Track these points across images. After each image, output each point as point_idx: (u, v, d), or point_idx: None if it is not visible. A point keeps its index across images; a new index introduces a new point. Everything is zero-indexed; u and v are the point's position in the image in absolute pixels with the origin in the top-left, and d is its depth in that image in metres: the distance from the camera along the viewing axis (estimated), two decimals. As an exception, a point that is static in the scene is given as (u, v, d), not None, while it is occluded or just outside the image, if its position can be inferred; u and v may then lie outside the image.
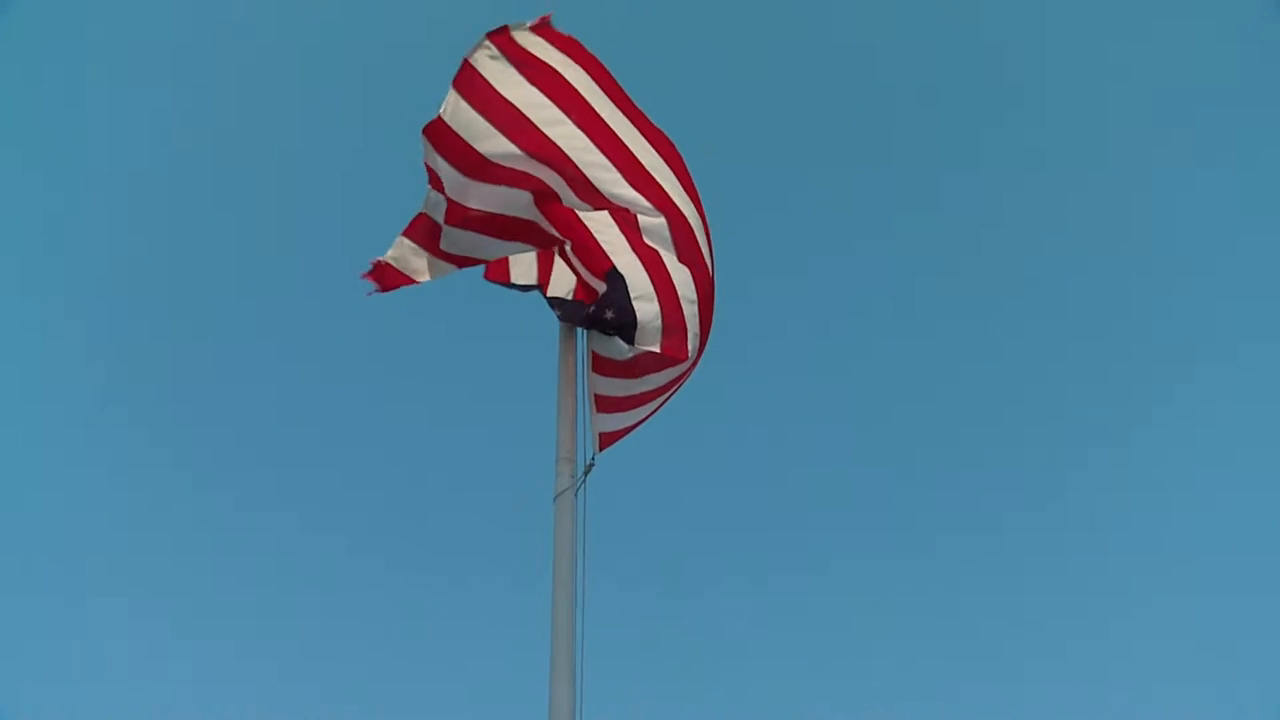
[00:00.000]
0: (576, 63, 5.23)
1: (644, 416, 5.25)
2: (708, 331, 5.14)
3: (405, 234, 5.26)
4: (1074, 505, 14.13)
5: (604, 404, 5.08)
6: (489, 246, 5.26)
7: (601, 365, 5.05)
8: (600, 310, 4.92)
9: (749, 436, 15.12)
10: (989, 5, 16.15)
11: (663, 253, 4.97)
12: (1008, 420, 15.22)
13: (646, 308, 4.83)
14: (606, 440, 5.16)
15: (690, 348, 4.94)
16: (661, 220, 4.99)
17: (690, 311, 4.95)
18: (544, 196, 5.10)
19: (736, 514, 14.73)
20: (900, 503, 14.97)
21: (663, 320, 4.87)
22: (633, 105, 5.31)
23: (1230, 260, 14.25)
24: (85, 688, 11.77)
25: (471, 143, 5.03)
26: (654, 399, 5.17)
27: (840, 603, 13.89)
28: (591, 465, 4.86)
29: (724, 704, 12.18)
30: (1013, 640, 13.08)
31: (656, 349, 4.87)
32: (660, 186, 5.09)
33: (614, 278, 4.81)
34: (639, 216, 4.97)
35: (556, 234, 5.11)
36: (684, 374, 5.14)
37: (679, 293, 4.95)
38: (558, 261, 5.01)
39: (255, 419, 14.90)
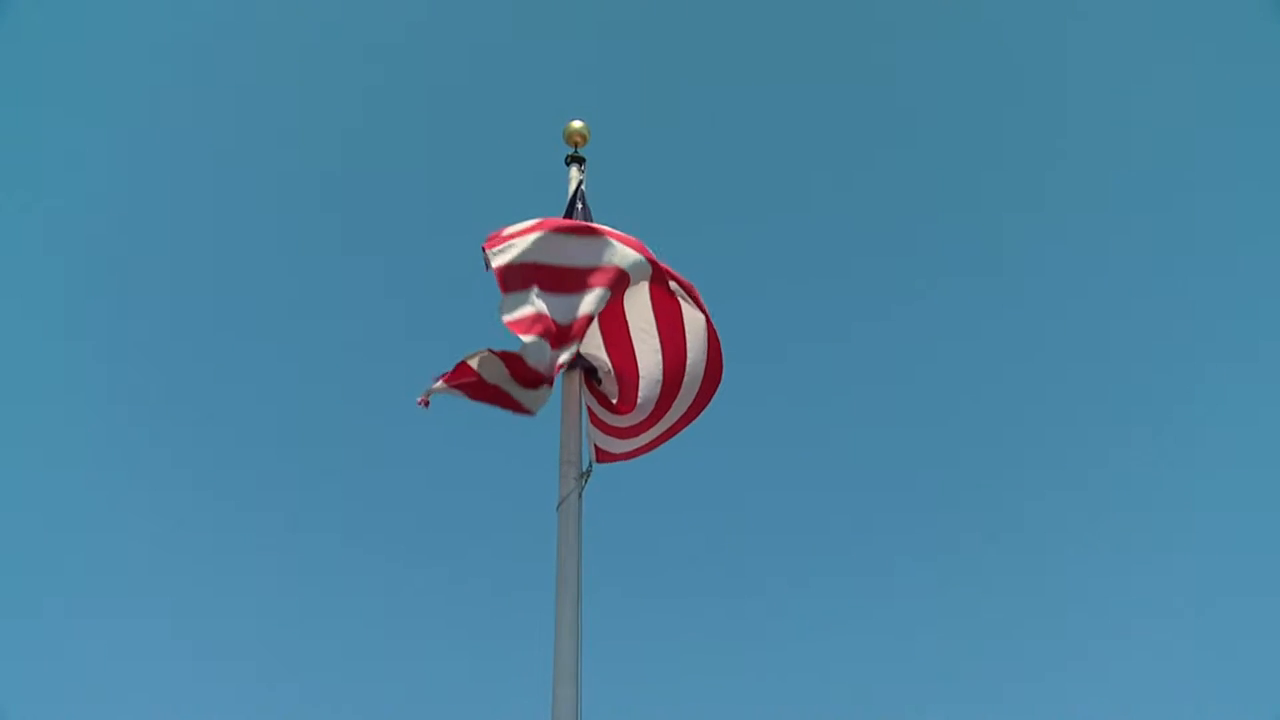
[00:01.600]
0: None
1: (635, 449, 5.56)
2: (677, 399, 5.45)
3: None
4: (1087, 508, 14.19)
5: (594, 419, 5.49)
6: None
7: (589, 384, 5.47)
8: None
9: (756, 440, 15.18)
10: (1000, 16, 16.21)
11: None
12: (1022, 425, 15.28)
13: (598, 356, 5.37)
14: (602, 456, 5.50)
15: (644, 396, 5.32)
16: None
17: (652, 361, 5.36)
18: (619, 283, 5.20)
19: (740, 515, 14.79)
20: (905, 507, 15.03)
21: (613, 368, 5.35)
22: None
23: (1240, 264, 14.30)
24: (85, 687, 11.84)
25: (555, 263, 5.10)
26: (635, 434, 5.50)
27: (844, 605, 13.97)
28: (589, 473, 5.12)
29: (724, 705, 12.24)
30: (1020, 642, 13.14)
31: (614, 399, 5.39)
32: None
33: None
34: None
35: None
36: (657, 421, 5.47)
37: (635, 346, 5.38)
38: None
39: (259, 424, 14.98)
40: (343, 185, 16.06)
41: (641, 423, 5.45)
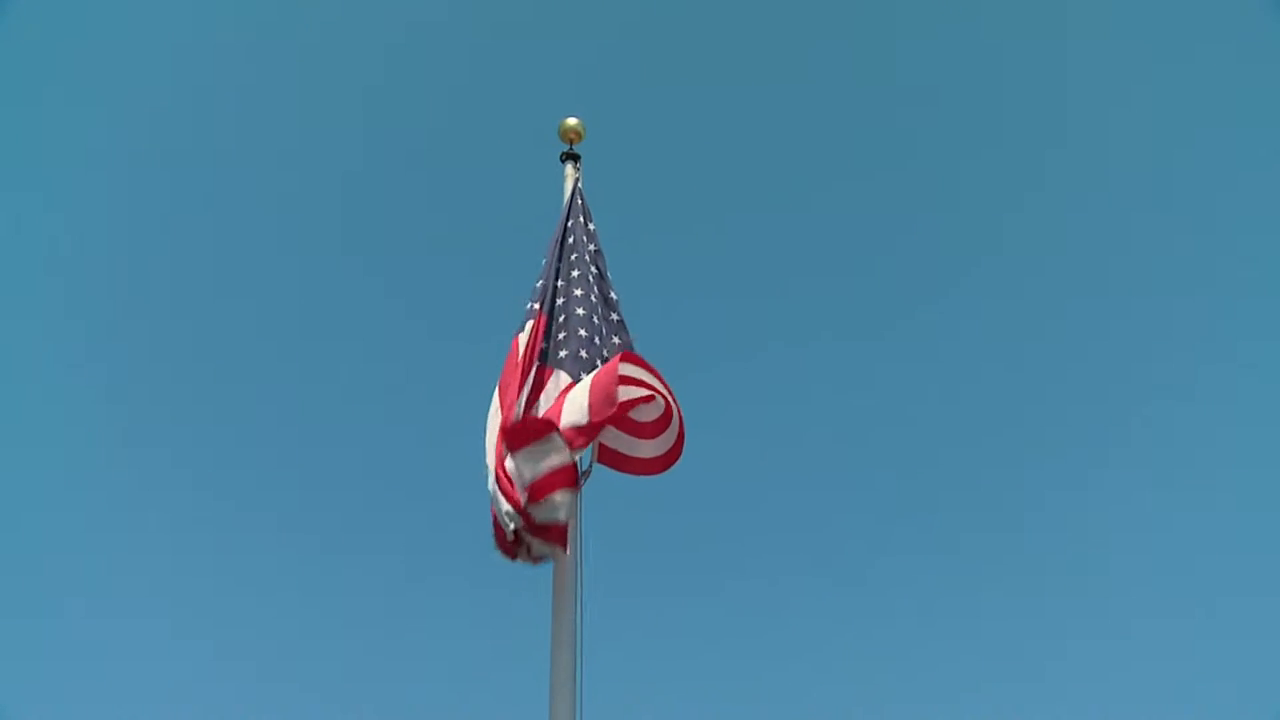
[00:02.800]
0: None
1: (634, 458, 5.25)
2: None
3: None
4: (1089, 509, 14.13)
5: None
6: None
7: None
8: None
9: (757, 440, 15.15)
10: (999, 15, 16.19)
11: None
12: (1023, 424, 15.21)
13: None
14: (604, 454, 5.18)
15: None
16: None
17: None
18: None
19: (741, 515, 14.77)
20: (907, 507, 14.99)
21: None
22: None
23: (1240, 263, 14.28)
24: (85, 687, 11.84)
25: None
26: (649, 435, 5.25)
27: (846, 604, 13.94)
28: (589, 471, 4.96)
29: (723, 704, 12.23)
30: (1020, 642, 13.11)
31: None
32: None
33: None
34: None
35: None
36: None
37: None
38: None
39: (256, 422, 14.96)
40: (339, 183, 16.04)
41: (657, 420, 5.12)
